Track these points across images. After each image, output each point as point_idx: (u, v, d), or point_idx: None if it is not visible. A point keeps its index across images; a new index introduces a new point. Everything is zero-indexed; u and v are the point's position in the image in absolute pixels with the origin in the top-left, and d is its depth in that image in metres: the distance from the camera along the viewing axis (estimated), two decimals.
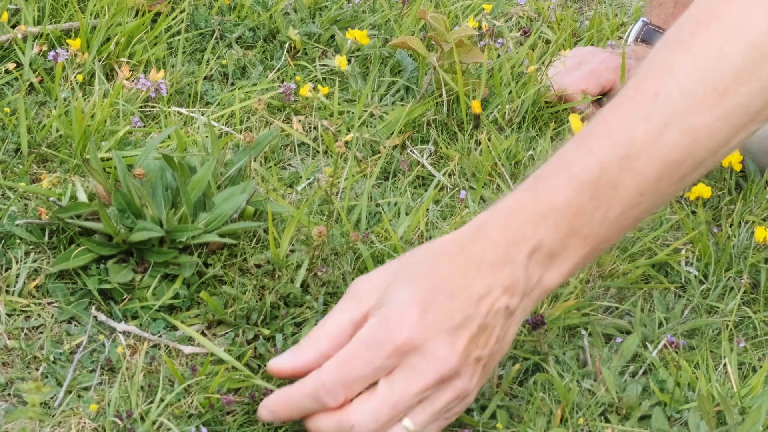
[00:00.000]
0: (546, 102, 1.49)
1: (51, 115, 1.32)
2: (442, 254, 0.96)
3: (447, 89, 1.44)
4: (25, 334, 1.07)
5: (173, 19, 1.52)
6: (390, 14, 1.64)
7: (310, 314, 1.11)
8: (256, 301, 1.11)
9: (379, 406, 0.92)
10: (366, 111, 1.44)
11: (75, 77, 1.39)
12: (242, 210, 1.17)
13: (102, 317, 1.08)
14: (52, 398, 1.00)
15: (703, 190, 1.30)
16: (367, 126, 1.43)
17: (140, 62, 1.45)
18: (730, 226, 1.30)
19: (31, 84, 1.38)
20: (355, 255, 1.18)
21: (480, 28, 1.62)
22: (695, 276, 1.24)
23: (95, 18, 1.48)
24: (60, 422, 0.98)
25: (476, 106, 1.41)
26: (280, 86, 1.45)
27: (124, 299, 1.10)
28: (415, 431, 0.94)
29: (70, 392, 1.01)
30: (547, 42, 1.71)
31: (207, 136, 1.31)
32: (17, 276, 1.10)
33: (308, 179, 1.32)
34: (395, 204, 1.29)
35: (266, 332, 1.09)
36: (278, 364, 0.96)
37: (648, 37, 1.58)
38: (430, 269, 0.95)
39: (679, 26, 0.99)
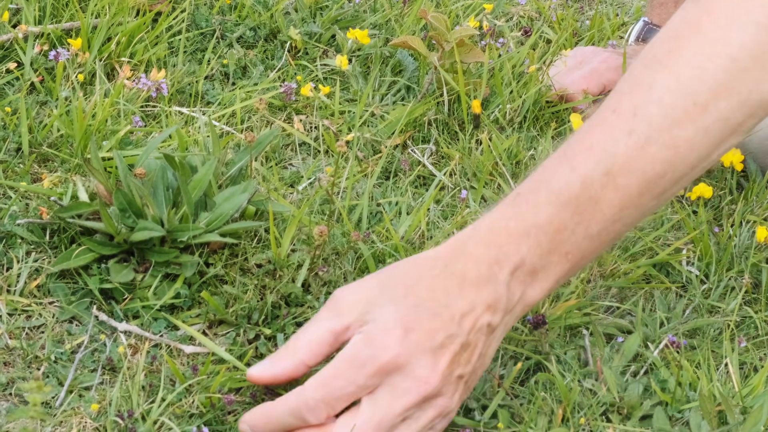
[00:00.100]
0: (547, 102, 1.49)
1: (52, 114, 1.32)
2: (424, 271, 0.96)
3: (448, 89, 1.44)
4: (27, 333, 1.06)
5: (174, 19, 1.52)
6: (391, 14, 1.64)
7: (311, 314, 1.11)
8: (258, 301, 1.11)
9: (363, 426, 0.93)
10: (367, 110, 1.44)
11: (76, 77, 1.39)
12: (243, 209, 1.17)
13: (103, 317, 1.08)
14: (53, 398, 1.00)
15: (705, 190, 1.30)
16: (368, 125, 1.43)
17: (141, 62, 1.45)
18: (732, 225, 1.30)
19: (32, 83, 1.38)
20: (356, 255, 1.18)
21: (481, 27, 1.62)
22: (696, 276, 1.24)
23: (96, 18, 1.48)
24: (61, 422, 0.98)
25: (476, 106, 1.41)
26: (281, 86, 1.45)
27: (125, 299, 1.10)
28: None
29: (71, 392, 1.01)
30: (548, 42, 1.71)
31: (208, 136, 1.31)
32: (18, 275, 1.10)
33: (309, 179, 1.32)
34: (396, 203, 1.29)
35: (267, 332, 1.09)
36: (257, 372, 0.97)
37: (649, 36, 1.58)
38: (413, 286, 0.95)
39: (659, 41, 0.99)
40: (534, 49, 1.62)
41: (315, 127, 1.42)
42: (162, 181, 1.14)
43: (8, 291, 1.09)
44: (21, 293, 1.09)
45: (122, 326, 1.08)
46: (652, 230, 1.28)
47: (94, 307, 1.09)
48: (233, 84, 1.49)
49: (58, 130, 1.29)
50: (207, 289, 1.11)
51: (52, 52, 1.39)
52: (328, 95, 1.44)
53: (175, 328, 1.09)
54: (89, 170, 1.15)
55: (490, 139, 1.39)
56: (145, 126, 1.36)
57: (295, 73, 1.51)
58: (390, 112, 1.43)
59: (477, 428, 1.02)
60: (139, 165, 1.15)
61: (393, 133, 1.41)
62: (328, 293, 1.13)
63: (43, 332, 1.07)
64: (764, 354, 1.16)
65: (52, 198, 1.17)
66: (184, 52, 1.50)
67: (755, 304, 1.22)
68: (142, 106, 1.39)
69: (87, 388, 1.02)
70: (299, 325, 1.10)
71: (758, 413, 1.01)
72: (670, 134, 0.95)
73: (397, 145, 1.40)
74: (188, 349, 1.07)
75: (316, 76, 1.51)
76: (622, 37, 1.74)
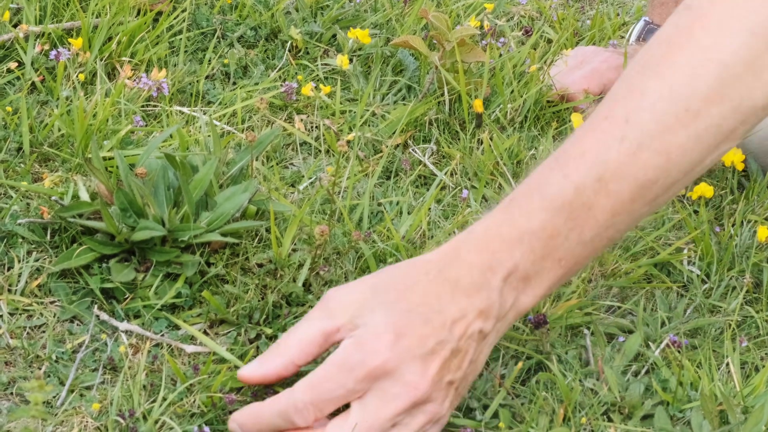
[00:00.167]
0: (548, 101, 1.49)
1: (53, 114, 1.32)
2: (417, 276, 0.96)
3: (449, 88, 1.44)
4: (28, 333, 1.06)
5: (175, 19, 1.52)
6: (392, 13, 1.64)
7: None
8: (258, 301, 1.11)
9: (352, 430, 0.93)
10: (368, 110, 1.44)
11: (77, 76, 1.39)
12: (244, 209, 1.17)
13: (104, 316, 1.08)
14: (54, 397, 1.00)
15: (706, 190, 1.30)
16: (368, 125, 1.43)
17: (142, 61, 1.45)
18: (733, 225, 1.30)
19: (33, 83, 1.38)
20: (357, 254, 1.18)
21: (482, 27, 1.62)
22: (697, 275, 1.24)
23: (97, 17, 1.48)
24: (62, 421, 0.98)
25: (478, 106, 1.40)
26: (281, 85, 1.45)
27: (127, 298, 1.10)
28: None
29: (72, 391, 1.01)
30: (549, 41, 1.71)
31: (209, 135, 1.31)
32: (19, 275, 1.10)
33: (310, 178, 1.32)
34: (397, 203, 1.29)
35: (268, 331, 1.09)
36: (247, 371, 0.97)
37: (650, 36, 1.58)
38: (405, 291, 0.95)
39: (651, 46, 0.99)
40: (535, 49, 1.62)
41: (316, 127, 1.42)
42: (163, 181, 1.14)
43: (9, 290, 1.09)
44: (22, 293, 1.09)
45: (123, 326, 1.08)
46: (653, 230, 1.28)
47: (95, 306, 1.09)
48: (234, 84, 1.49)
49: (59, 130, 1.29)
50: (208, 289, 1.11)
51: (53, 52, 1.39)
52: (328, 95, 1.44)
53: (176, 327, 1.09)
54: (90, 170, 1.14)
55: (491, 139, 1.39)
56: (146, 126, 1.36)
57: (296, 73, 1.51)
58: (391, 112, 1.43)
59: (478, 428, 1.02)
60: (140, 164, 1.15)
61: (394, 133, 1.41)
62: None
63: (44, 332, 1.07)
64: (765, 353, 1.16)
65: (53, 197, 1.16)
66: (185, 51, 1.50)
67: (756, 304, 1.22)
68: (142, 106, 1.39)
69: (88, 388, 1.02)
70: None
71: (759, 413, 1.01)
72: (662, 140, 0.95)
73: (398, 145, 1.40)
74: (189, 348, 1.07)
75: (317, 75, 1.51)
76: (622, 37, 1.74)
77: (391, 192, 1.32)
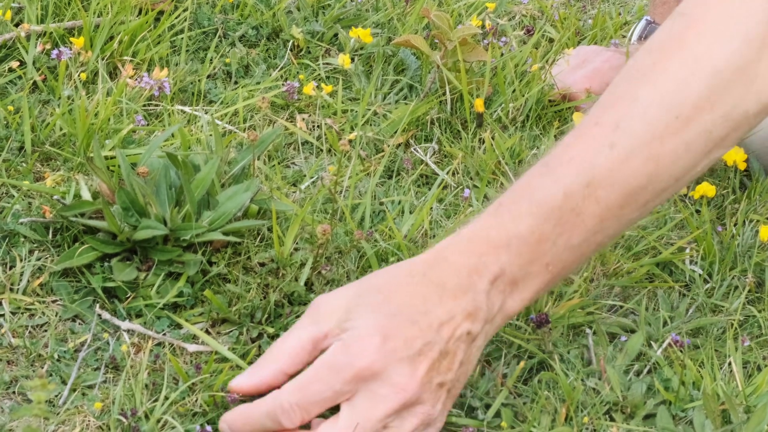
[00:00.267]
0: (550, 101, 1.49)
1: (54, 113, 1.32)
2: (404, 279, 0.96)
3: (450, 88, 1.44)
4: (30, 332, 1.06)
5: (176, 18, 1.52)
6: (393, 13, 1.64)
7: None
8: (260, 300, 1.11)
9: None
10: (369, 109, 1.44)
11: (78, 75, 1.39)
12: (246, 208, 1.17)
13: (106, 315, 1.08)
14: (56, 396, 1.00)
15: (708, 189, 1.30)
16: (370, 124, 1.43)
17: (143, 60, 1.45)
18: (735, 225, 1.30)
19: (35, 82, 1.38)
20: (359, 253, 1.18)
21: (483, 26, 1.62)
22: (700, 275, 1.24)
23: (98, 16, 1.47)
24: (65, 420, 0.98)
25: (480, 105, 1.40)
26: (283, 85, 1.45)
27: (129, 297, 1.10)
28: None
29: (74, 390, 1.01)
30: (551, 41, 1.71)
31: (211, 135, 1.30)
32: (21, 274, 1.10)
33: (312, 178, 1.32)
34: (399, 202, 1.29)
35: (270, 330, 1.09)
36: (238, 382, 0.97)
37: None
38: (392, 294, 0.95)
39: (643, 53, 0.99)
40: (536, 48, 1.61)
41: (317, 126, 1.42)
42: (165, 180, 1.14)
43: (11, 289, 1.09)
44: (24, 292, 1.09)
45: (125, 325, 1.08)
46: (655, 229, 1.28)
47: (97, 305, 1.09)
48: (235, 83, 1.49)
49: (61, 129, 1.29)
50: (210, 288, 1.11)
51: (55, 51, 1.39)
52: (330, 94, 1.44)
53: (178, 326, 1.09)
54: (92, 169, 1.14)
55: (492, 138, 1.39)
56: (148, 125, 1.36)
57: (298, 72, 1.51)
58: (392, 111, 1.43)
59: (480, 427, 1.02)
60: (142, 164, 1.15)
61: (395, 132, 1.40)
62: None
63: (46, 331, 1.07)
64: None
65: (55, 197, 1.16)
66: (187, 50, 1.50)
67: (758, 303, 1.22)
68: (144, 105, 1.39)
69: (90, 387, 1.02)
70: None
71: (762, 412, 1.01)
72: (652, 147, 0.95)
73: (399, 144, 1.40)
74: (191, 347, 1.07)
75: (319, 74, 1.51)
76: (624, 36, 1.74)
77: (392, 191, 1.32)
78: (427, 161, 1.38)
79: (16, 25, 1.45)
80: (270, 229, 1.18)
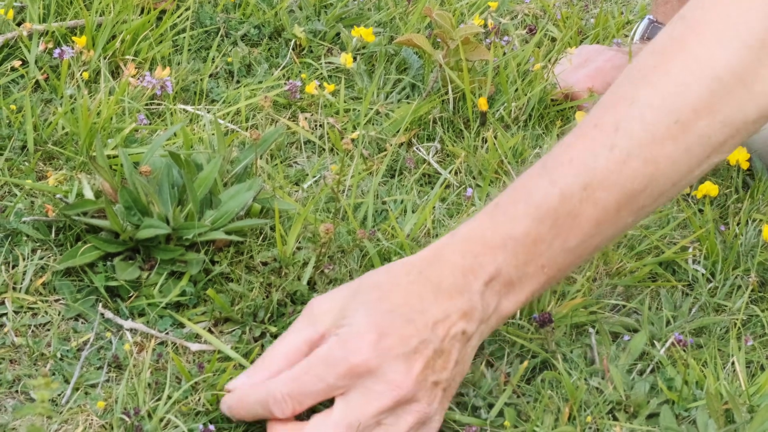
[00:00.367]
0: (552, 100, 1.49)
1: (57, 112, 1.31)
2: (399, 277, 0.96)
3: (453, 87, 1.43)
4: (32, 331, 1.06)
5: (178, 17, 1.52)
6: (395, 12, 1.64)
7: None
8: (263, 299, 1.11)
9: (335, 425, 0.93)
10: (372, 109, 1.44)
11: (81, 75, 1.39)
12: (249, 207, 1.17)
13: (109, 314, 1.08)
14: (59, 395, 1.00)
15: (711, 188, 1.30)
16: (373, 124, 1.42)
17: (146, 60, 1.45)
18: (738, 224, 1.30)
19: (37, 81, 1.38)
20: (361, 253, 1.18)
21: (486, 25, 1.62)
22: (702, 274, 1.24)
23: (100, 15, 1.47)
24: (67, 419, 0.98)
25: (483, 103, 1.40)
26: (285, 84, 1.45)
27: (131, 296, 1.10)
28: None
29: (77, 389, 1.01)
30: (553, 40, 1.71)
31: (213, 134, 1.30)
32: (24, 273, 1.10)
33: (314, 177, 1.32)
34: (402, 202, 1.29)
35: (273, 330, 1.08)
36: (235, 385, 0.97)
37: (654, 34, 1.58)
38: (387, 292, 0.95)
39: (644, 56, 0.99)
40: (539, 47, 1.61)
41: (320, 125, 1.41)
42: (167, 179, 1.14)
43: (14, 288, 1.09)
44: (27, 291, 1.09)
45: (128, 324, 1.07)
46: (658, 228, 1.28)
47: (100, 304, 1.09)
48: (238, 82, 1.48)
49: (63, 128, 1.29)
50: (213, 287, 1.11)
51: (57, 50, 1.38)
52: (332, 93, 1.44)
53: (181, 325, 1.09)
54: (94, 168, 1.14)
55: (495, 137, 1.39)
56: (150, 124, 1.35)
57: (300, 71, 1.51)
58: (395, 110, 1.43)
59: (483, 426, 1.02)
60: (145, 163, 1.15)
61: (398, 131, 1.40)
62: None
63: (48, 330, 1.07)
64: None
65: (58, 196, 1.16)
66: (189, 50, 1.50)
67: (761, 303, 1.22)
68: (146, 104, 1.39)
69: (93, 386, 1.02)
70: None
71: (765, 412, 1.01)
72: (651, 150, 0.95)
73: (402, 143, 1.40)
74: (194, 346, 1.07)
75: (321, 74, 1.51)
76: (627, 36, 1.74)
77: (395, 190, 1.32)
78: (430, 160, 1.38)
79: (19, 24, 1.45)
80: (273, 228, 1.18)
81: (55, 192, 1.18)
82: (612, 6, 1.88)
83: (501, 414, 1.03)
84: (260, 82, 1.47)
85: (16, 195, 1.20)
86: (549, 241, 0.96)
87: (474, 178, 1.36)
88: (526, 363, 1.06)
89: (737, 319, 1.18)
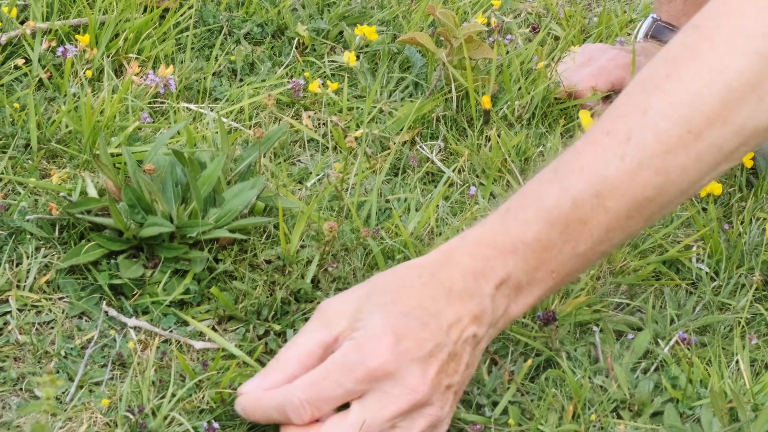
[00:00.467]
0: (555, 98, 1.49)
1: (60, 110, 1.31)
2: (412, 279, 0.97)
3: (456, 85, 1.43)
4: (36, 329, 1.06)
5: (181, 16, 1.52)
6: (398, 10, 1.64)
7: None
8: (267, 297, 1.11)
9: (350, 428, 0.93)
10: (375, 107, 1.44)
11: (84, 73, 1.39)
12: (252, 205, 1.17)
13: (113, 312, 1.08)
14: (63, 393, 1.00)
15: (714, 187, 1.30)
16: (376, 122, 1.42)
17: (149, 58, 1.45)
18: (742, 223, 1.30)
19: (41, 80, 1.38)
20: (365, 251, 1.18)
21: (489, 24, 1.62)
22: (706, 273, 1.23)
23: (104, 14, 1.47)
24: (72, 417, 0.98)
25: (486, 102, 1.40)
26: (288, 82, 1.45)
27: (135, 294, 1.10)
28: None
29: (81, 387, 1.01)
30: (556, 38, 1.71)
31: (216, 132, 1.30)
32: (28, 271, 1.10)
33: (318, 175, 1.32)
34: (405, 200, 1.29)
35: (277, 327, 1.08)
36: (249, 388, 0.97)
37: (658, 33, 1.57)
38: (400, 294, 0.96)
39: (657, 63, 0.99)
40: (542, 46, 1.61)
41: (323, 124, 1.41)
42: (171, 177, 1.14)
43: (18, 286, 1.09)
44: (31, 289, 1.09)
45: (132, 322, 1.07)
46: (662, 227, 1.28)
47: (104, 302, 1.09)
48: (241, 80, 1.48)
49: (67, 126, 1.29)
50: (216, 285, 1.11)
51: (60, 49, 1.38)
52: (336, 91, 1.44)
53: (185, 323, 1.09)
54: (98, 166, 1.14)
55: (498, 136, 1.39)
56: (154, 122, 1.35)
57: (303, 70, 1.51)
58: (398, 109, 1.43)
59: (487, 424, 1.02)
60: (148, 161, 1.15)
61: (401, 130, 1.40)
62: (338, 289, 1.13)
63: (53, 328, 1.07)
64: None
65: (61, 194, 1.16)
66: (192, 48, 1.50)
67: (765, 302, 1.22)
68: (150, 103, 1.39)
69: (97, 384, 1.02)
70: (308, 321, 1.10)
71: None
72: (663, 160, 0.96)
73: (405, 142, 1.40)
74: (198, 344, 1.06)
75: (324, 72, 1.51)
76: (630, 34, 1.74)
77: (398, 189, 1.32)
78: (433, 159, 1.38)
79: (22, 23, 1.45)
80: (276, 227, 1.18)
81: (58, 190, 1.18)
82: (615, 4, 1.87)
83: (505, 412, 1.03)
84: (263, 81, 1.47)
85: (20, 193, 1.20)
86: (559, 247, 0.96)
87: (477, 176, 1.36)
88: (530, 361, 1.06)
89: (741, 318, 1.18)
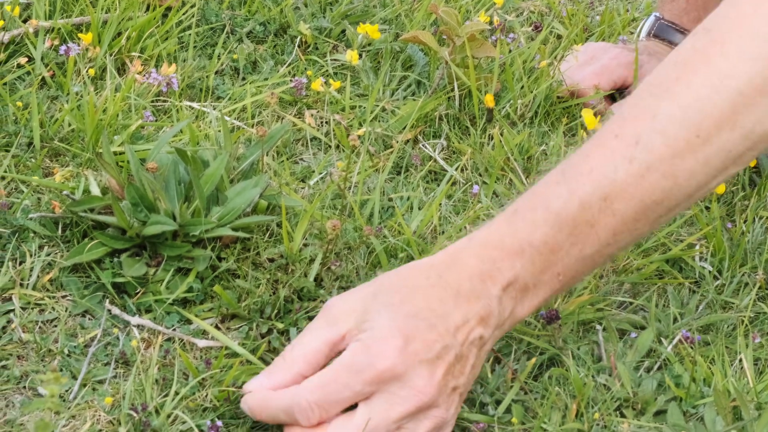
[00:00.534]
0: (558, 97, 1.49)
1: (63, 109, 1.31)
2: (419, 280, 0.97)
3: (459, 84, 1.43)
4: (40, 327, 1.06)
5: (184, 14, 1.52)
6: (401, 9, 1.64)
7: None
8: (270, 295, 1.11)
9: (357, 429, 0.93)
10: (378, 105, 1.44)
11: (87, 71, 1.39)
12: (255, 204, 1.17)
13: (116, 311, 1.08)
14: (67, 391, 1.00)
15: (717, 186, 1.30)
16: (378, 120, 1.42)
17: (152, 57, 1.45)
18: (745, 221, 1.30)
19: (43, 78, 1.38)
20: (368, 249, 1.17)
21: (491, 22, 1.62)
22: (710, 271, 1.23)
23: (106, 12, 1.47)
24: (75, 415, 0.98)
25: (489, 100, 1.40)
26: (291, 81, 1.45)
27: (138, 293, 1.10)
28: None
29: (84, 385, 1.01)
30: (559, 37, 1.71)
31: (219, 131, 1.30)
32: (31, 269, 1.10)
33: (320, 173, 1.32)
34: (408, 198, 1.29)
35: (280, 326, 1.08)
36: (255, 386, 0.97)
37: (660, 32, 1.57)
38: (408, 294, 0.96)
39: (666, 67, 0.99)
40: (544, 45, 1.61)
41: (326, 122, 1.41)
42: (174, 176, 1.14)
43: (21, 285, 1.09)
44: (34, 287, 1.09)
45: (135, 320, 1.07)
46: (665, 226, 1.28)
47: (107, 300, 1.09)
48: (243, 79, 1.48)
49: (70, 125, 1.29)
50: (219, 284, 1.11)
51: (63, 47, 1.38)
52: (338, 90, 1.44)
53: (188, 322, 1.09)
54: (101, 164, 1.14)
55: (501, 134, 1.39)
56: (156, 120, 1.35)
57: (306, 68, 1.51)
58: (401, 107, 1.43)
59: (491, 423, 1.02)
60: (151, 159, 1.15)
61: (404, 128, 1.40)
62: (341, 288, 1.13)
63: (56, 326, 1.07)
64: None
65: (64, 192, 1.16)
66: (195, 47, 1.50)
67: None
68: (152, 101, 1.39)
69: (100, 382, 1.02)
70: (312, 319, 1.10)
71: None
72: (671, 164, 0.96)
73: (408, 140, 1.40)
74: (201, 343, 1.06)
75: (327, 71, 1.51)
76: (632, 33, 1.74)
77: (401, 187, 1.32)
78: (436, 157, 1.38)
79: (25, 21, 1.45)
80: (279, 225, 1.18)
81: (61, 188, 1.18)
82: (617, 3, 1.87)
83: (508, 410, 1.03)
84: (266, 79, 1.47)
85: (23, 192, 1.20)
86: (566, 249, 0.97)
87: (480, 175, 1.36)
88: (533, 360, 1.06)
89: (744, 317, 1.18)
